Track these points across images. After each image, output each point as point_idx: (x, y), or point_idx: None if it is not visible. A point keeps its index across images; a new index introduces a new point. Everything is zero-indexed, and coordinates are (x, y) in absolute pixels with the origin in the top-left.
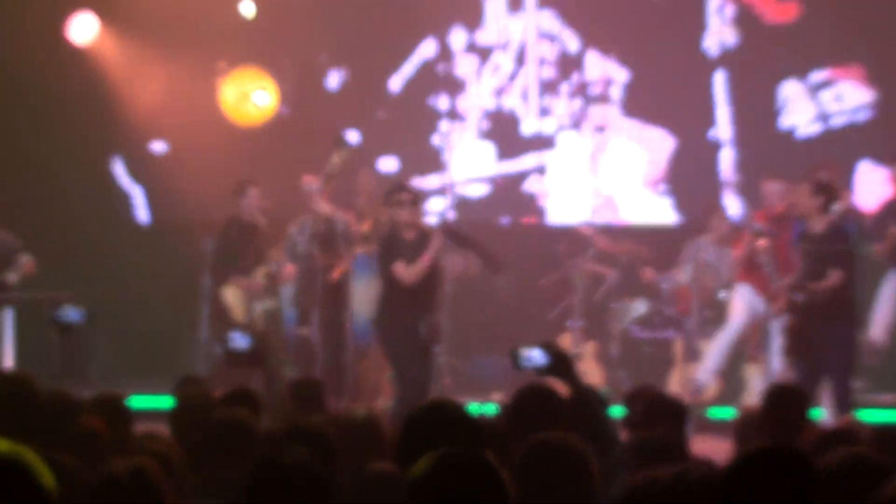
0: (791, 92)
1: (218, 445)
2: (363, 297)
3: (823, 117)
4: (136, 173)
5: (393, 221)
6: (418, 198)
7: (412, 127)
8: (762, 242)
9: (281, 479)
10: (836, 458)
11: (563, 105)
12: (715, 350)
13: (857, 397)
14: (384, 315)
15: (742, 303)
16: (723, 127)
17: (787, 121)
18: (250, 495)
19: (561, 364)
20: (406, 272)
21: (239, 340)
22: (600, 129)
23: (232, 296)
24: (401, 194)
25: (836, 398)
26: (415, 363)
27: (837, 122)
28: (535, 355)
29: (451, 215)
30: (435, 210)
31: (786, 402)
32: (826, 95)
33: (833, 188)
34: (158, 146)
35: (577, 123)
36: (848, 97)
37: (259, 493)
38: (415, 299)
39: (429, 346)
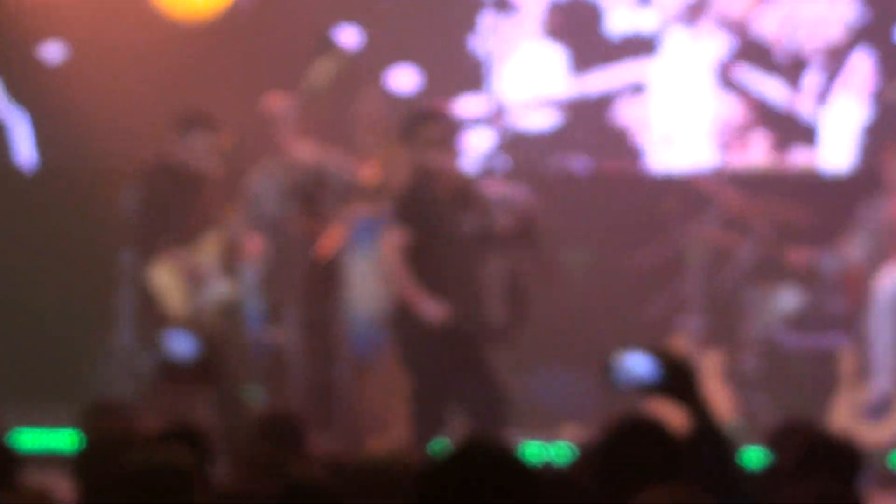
0: None
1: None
2: (366, 283)
3: None
4: (17, 92)
5: (417, 168)
6: (457, 130)
7: (438, 23)
8: None
9: None
10: None
11: None
12: None
13: None
14: (401, 308)
15: None
16: None
17: None
18: None
19: (680, 379)
20: (395, 260)
21: (180, 344)
22: (728, 24)
23: (167, 277)
24: (430, 126)
25: None
26: (447, 382)
27: None
28: (640, 365)
29: (501, 160)
30: (475, 149)
31: None
32: None
33: None
34: (52, 50)
35: (693, 16)
36: None
37: None
38: (452, 282)
39: (474, 353)
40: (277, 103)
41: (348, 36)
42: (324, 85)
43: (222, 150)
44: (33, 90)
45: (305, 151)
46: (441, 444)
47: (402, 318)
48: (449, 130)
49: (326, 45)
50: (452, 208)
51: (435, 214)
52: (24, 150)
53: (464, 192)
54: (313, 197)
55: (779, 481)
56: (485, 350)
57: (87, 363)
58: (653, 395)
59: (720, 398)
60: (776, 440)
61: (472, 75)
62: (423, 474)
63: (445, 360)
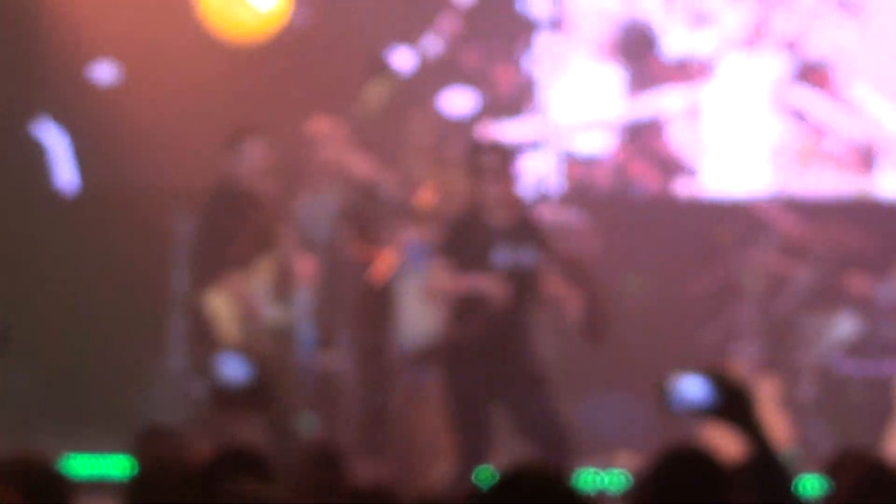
0: None
1: None
2: (418, 307)
3: None
4: (64, 113)
5: (473, 196)
6: (514, 159)
7: (493, 43)
8: None
9: None
10: None
11: (731, 10)
12: None
13: None
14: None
15: None
16: None
17: None
18: None
19: (736, 404)
20: (441, 278)
21: (233, 369)
22: (791, 46)
23: (221, 301)
24: (488, 155)
25: None
26: (494, 413)
27: None
28: (696, 388)
29: (555, 184)
30: (529, 173)
31: None
32: None
33: None
34: (103, 71)
35: (752, 39)
36: None
37: None
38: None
39: (527, 387)
40: (321, 125)
41: (401, 57)
42: (376, 107)
43: (272, 169)
44: (81, 111)
45: (360, 169)
46: (487, 472)
47: (451, 351)
48: (506, 159)
49: (379, 67)
50: (509, 238)
51: (485, 245)
52: (65, 172)
53: (524, 224)
54: (365, 219)
55: None
56: (540, 383)
57: (139, 389)
58: (709, 419)
59: (776, 425)
60: (832, 468)
61: (526, 97)
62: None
63: (496, 394)
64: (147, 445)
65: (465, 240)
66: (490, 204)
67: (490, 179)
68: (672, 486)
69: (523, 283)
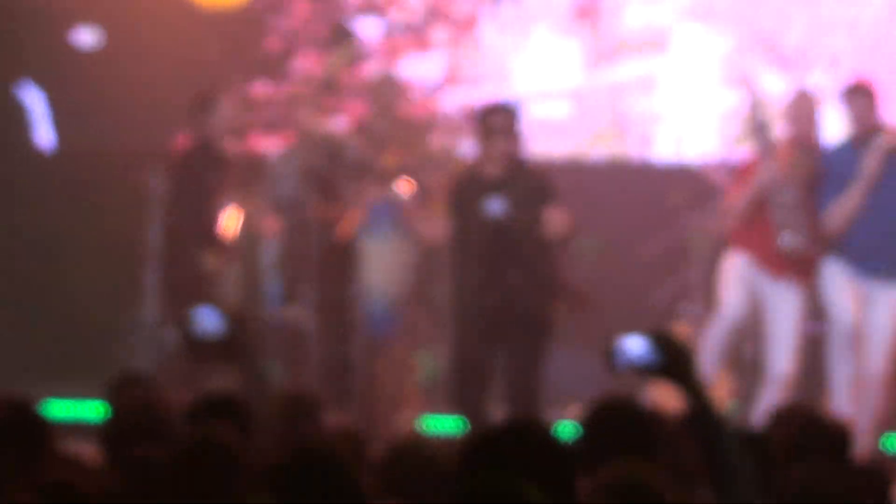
0: None
1: (186, 482)
2: (381, 264)
3: None
4: (43, 75)
5: (482, 153)
6: (518, 119)
7: (455, 13)
8: None
9: None
10: None
11: None
12: None
13: None
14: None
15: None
16: None
17: None
18: None
19: (677, 362)
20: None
21: (207, 321)
22: (736, 19)
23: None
24: (496, 116)
25: None
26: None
27: None
28: (639, 349)
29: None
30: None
31: None
32: None
33: None
34: (84, 35)
35: (702, 12)
36: None
37: None
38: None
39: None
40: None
41: (365, 25)
42: (337, 72)
43: (243, 129)
44: (60, 73)
45: (324, 126)
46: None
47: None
48: (513, 119)
49: (341, 34)
50: (499, 187)
51: (479, 195)
52: (43, 131)
53: (516, 173)
54: (331, 178)
55: (774, 461)
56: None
57: (115, 337)
58: (651, 376)
59: (719, 382)
60: (772, 422)
61: (487, 66)
62: (463, 453)
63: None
64: (120, 391)
65: (466, 193)
66: (494, 159)
67: (499, 138)
68: (601, 431)
69: (515, 231)
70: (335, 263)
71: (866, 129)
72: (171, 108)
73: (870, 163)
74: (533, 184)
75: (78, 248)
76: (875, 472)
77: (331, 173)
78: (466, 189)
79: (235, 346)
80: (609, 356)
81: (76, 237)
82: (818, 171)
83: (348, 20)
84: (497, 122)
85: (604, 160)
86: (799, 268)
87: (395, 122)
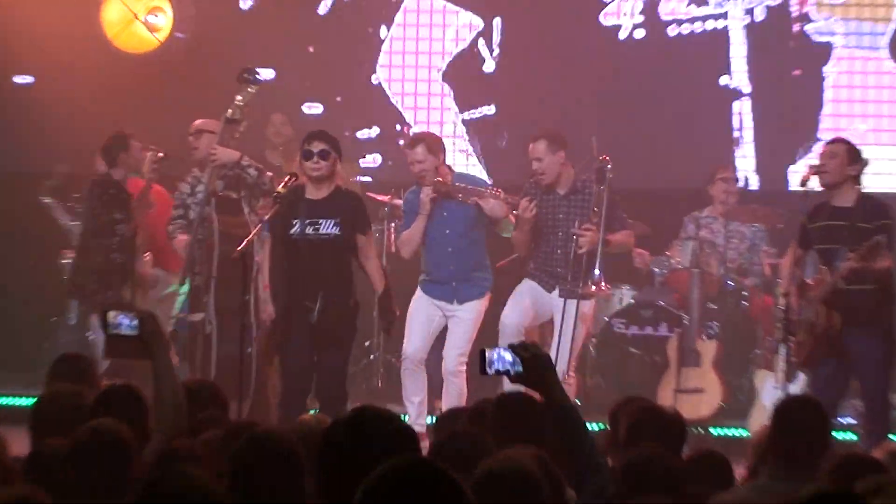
0: None
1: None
2: (263, 273)
3: None
4: None
5: (302, 175)
6: (335, 148)
7: (346, 63)
8: None
9: None
10: (864, 487)
11: None
12: None
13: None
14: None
15: None
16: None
17: None
18: None
19: (535, 369)
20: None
21: (126, 324)
22: None
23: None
24: (310, 143)
25: (872, 418)
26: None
27: None
28: (504, 358)
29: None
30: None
31: (801, 419)
32: None
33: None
34: (23, 79)
35: None
36: None
37: None
38: (307, 273)
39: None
40: (201, 123)
41: (266, 72)
42: (239, 111)
43: (157, 162)
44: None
45: (229, 158)
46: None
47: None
48: (330, 147)
49: (246, 78)
50: (315, 210)
51: (297, 214)
52: None
53: (336, 197)
54: (231, 201)
55: (615, 449)
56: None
57: (45, 337)
58: (516, 381)
59: (570, 381)
60: (612, 415)
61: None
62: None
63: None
64: (61, 366)
65: (288, 211)
66: (312, 182)
67: (313, 162)
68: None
69: (327, 249)
70: (232, 274)
71: None
72: (90, 139)
73: None
74: (351, 204)
75: (14, 259)
76: (715, 453)
77: (230, 195)
78: (289, 206)
79: (148, 343)
80: (481, 364)
81: (12, 249)
82: None
83: (252, 67)
84: (313, 147)
85: None
86: None
87: (286, 155)
